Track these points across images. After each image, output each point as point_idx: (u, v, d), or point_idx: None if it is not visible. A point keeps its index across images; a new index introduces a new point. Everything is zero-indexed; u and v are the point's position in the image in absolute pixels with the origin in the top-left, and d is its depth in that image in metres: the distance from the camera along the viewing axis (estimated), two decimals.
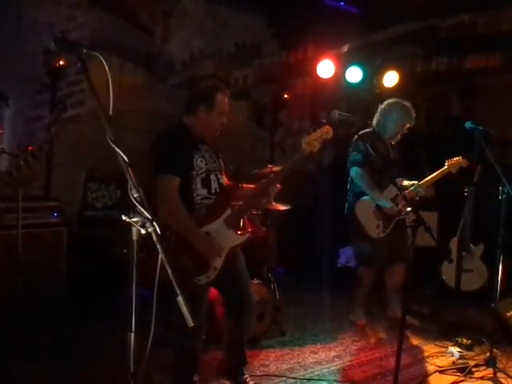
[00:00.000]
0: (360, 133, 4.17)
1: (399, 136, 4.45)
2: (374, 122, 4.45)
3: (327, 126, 2.92)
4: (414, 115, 4.40)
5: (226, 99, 2.99)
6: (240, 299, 3.09)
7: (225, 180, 3.08)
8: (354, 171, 4.33)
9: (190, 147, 2.92)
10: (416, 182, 4.32)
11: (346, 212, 4.48)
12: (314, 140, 2.90)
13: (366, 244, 4.35)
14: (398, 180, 4.25)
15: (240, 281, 3.09)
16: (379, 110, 4.47)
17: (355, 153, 4.31)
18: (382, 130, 4.41)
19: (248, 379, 3.23)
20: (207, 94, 2.95)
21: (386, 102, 4.47)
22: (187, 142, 2.91)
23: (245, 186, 3.14)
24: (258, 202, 3.13)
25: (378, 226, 4.27)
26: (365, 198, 4.32)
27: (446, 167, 4.39)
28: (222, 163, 3.09)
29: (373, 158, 4.18)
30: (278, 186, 3.03)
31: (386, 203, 4.24)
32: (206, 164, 2.94)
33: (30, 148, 2.86)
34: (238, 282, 3.07)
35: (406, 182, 4.32)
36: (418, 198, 4.29)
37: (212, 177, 2.96)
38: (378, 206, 4.28)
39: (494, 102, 5.88)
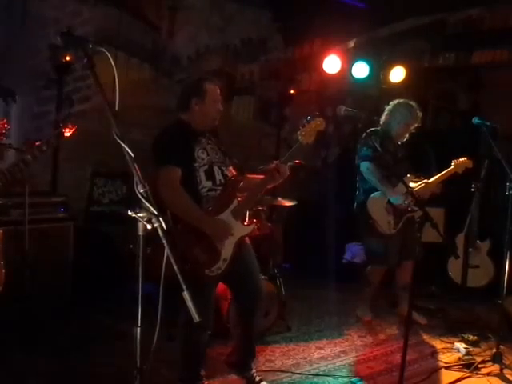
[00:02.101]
0: (369, 130, 4.15)
1: (406, 135, 4.42)
2: (381, 121, 4.44)
3: (320, 119, 3.05)
4: (419, 115, 4.36)
5: (217, 88, 3.03)
6: (250, 292, 3.08)
7: (231, 172, 3.07)
8: (365, 166, 4.29)
9: (190, 140, 2.94)
10: (423, 181, 4.30)
11: (356, 209, 4.45)
12: (309, 131, 3.02)
13: (377, 241, 4.32)
14: (406, 178, 4.24)
15: (249, 274, 3.08)
16: (386, 109, 4.46)
17: (365, 148, 4.28)
18: (387, 128, 4.40)
19: (255, 375, 3.23)
20: (196, 86, 3.01)
21: (391, 102, 4.45)
22: (187, 136, 2.94)
23: (250, 176, 3.15)
24: (264, 189, 3.12)
25: (389, 222, 4.25)
26: (376, 193, 4.29)
27: (452, 167, 4.36)
28: (226, 156, 3.08)
29: (381, 154, 4.17)
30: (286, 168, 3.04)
31: (400, 199, 4.21)
32: (207, 155, 2.96)
33: (36, 143, 2.88)
34: (247, 275, 3.07)
35: (412, 184, 4.29)
36: (425, 197, 4.28)
37: (215, 168, 2.97)
38: (389, 202, 4.26)
39: (502, 98, 5.84)
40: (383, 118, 4.45)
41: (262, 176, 3.07)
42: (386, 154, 4.28)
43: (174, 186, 2.82)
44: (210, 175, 2.94)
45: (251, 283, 3.09)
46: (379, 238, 4.29)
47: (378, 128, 4.35)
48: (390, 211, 4.26)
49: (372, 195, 4.30)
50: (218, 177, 2.97)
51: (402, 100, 4.43)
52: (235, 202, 2.96)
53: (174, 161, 2.84)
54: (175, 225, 2.81)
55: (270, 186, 3.10)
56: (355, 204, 4.46)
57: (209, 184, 2.92)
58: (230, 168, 3.08)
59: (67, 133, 3.11)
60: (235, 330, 3.25)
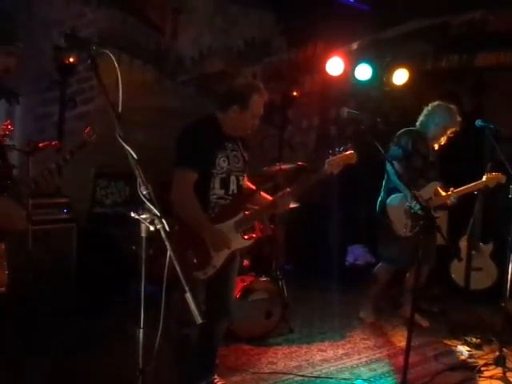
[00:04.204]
0: (404, 129, 4.13)
1: (443, 139, 4.40)
2: (418, 122, 4.44)
3: (352, 152, 3.00)
4: (458, 119, 4.34)
5: (262, 101, 2.93)
6: (219, 301, 3.05)
7: (245, 180, 3.07)
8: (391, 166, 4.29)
9: (216, 145, 2.89)
10: (451, 189, 4.28)
11: (378, 207, 4.44)
12: (338, 162, 2.99)
13: (392, 241, 4.32)
14: (434, 184, 4.25)
15: (226, 285, 3.07)
16: (424, 110, 4.45)
17: (396, 148, 4.28)
18: (424, 130, 4.39)
19: (216, 380, 3.17)
20: (243, 94, 2.88)
21: (430, 104, 4.44)
22: (214, 139, 2.88)
23: (262, 194, 3.15)
24: (270, 211, 3.13)
25: (406, 224, 4.23)
26: (397, 195, 4.28)
27: (484, 180, 4.30)
28: (246, 165, 3.05)
29: (412, 155, 4.17)
30: (292, 201, 3.06)
31: (418, 205, 4.17)
32: (228, 164, 2.91)
33: (40, 144, 2.86)
34: (223, 285, 3.04)
35: (440, 189, 4.28)
36: (450, 204, 4.29)
37: (232, 178, 2.93)
38: (409, 205, 4.24)
39: (505, 100, 5.84)
40: (421, 118, 4.44)
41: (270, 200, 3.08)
42: (417, 156, 4.27)
43: (186, 189, 2.80)
44: (224, 184, 2.91)
45: (224, 292, 3.07)
46: (395, 238, 4.27)
47: (414, 128, 4.34)
48: (408, 214, 4.24)
49: (393, 195, 4.29)
50: (232, 186, 2.94)
51: (441, 102, 4.42)
52: (241, 215, 2.95)
53: (193, 164, 2.81)
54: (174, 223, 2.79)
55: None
56: (378, 202, 4.44)
57: (221, 192, 2.90)
58: (245, 178, 3.06)
59: (89, 144, 3.09)
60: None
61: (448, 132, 4.37)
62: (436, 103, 4.42)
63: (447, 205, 4.33)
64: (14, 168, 2.56)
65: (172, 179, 2.82)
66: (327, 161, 2.98)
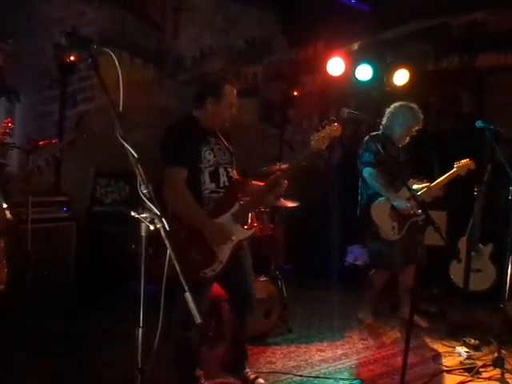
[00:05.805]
0: (370, 134, 4.13)
1: (408, 138, 4.42)
2: (382, 124, 4.43)
3: (336, 124, 2.93)
4: (421, 117, 4.35)
5: (235, 91, 2.98)
6: (242, 297, 3.10)
7: (235, 173, 3.07)
8: (368, 172, 4.28)
9: (199, 139, 2.92)
10: (426, 184, 4.29)
11: (359, 214, 4.43)
12: (323, 137, 2.91)
13: (381, 246, 4.31)
14: (408, 182, 4.24)
15: (244, 279, 3.09)
16: (386, 112, 4.45)
17: (367, 154, 4.27)
18: (390, 132, 4.39)
19: (249, 373, 3.22)
20: (215, 85, 2.95)
21: (392, 105, 4.44)
22: (196, 134, 2.92)
23: (254, 182, 3.15)
24: (266, 198, 3.14)
25: (393, 227, 4.23)
26: (380, 199, 4.27)
27: (454, 169, 4.35)
28: (233, 157, 3.07)
29: (384, 159, 4.17)
30: (286, 182, 3.03)
31: (403, 204, 4.18)
32: (214, 156, 2.94)
33: (40, 143, 2.87)
34: (242, 280, 3.07)
35: (415, 186, 4.28)
36: (428, 200, 4.28)
37: (221, 170, 2.95)
38: (393, 207, 4.24)
39: (506, 101, 5.83)
40: (385, 121, 4.43)
41: (263, 184, 3.07)
42: (389, 158, 4.28)
43: (178, 186, 2.82)
44: (214, 177, 2.92)
45: (244, 287, 3.09)
46: (383, 242, 4.27)
47: (379, 132, 4.34)
48: (393, 217, 4.24)
49: (376, 201, 4.29)
50: (223, 179, 2.95)
51: (403, 102, 4.42)
52: (237, 206, 2.95)
53: (180, 161, 2.83)
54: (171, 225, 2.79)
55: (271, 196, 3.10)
56: (358, 209, 4.45)
57: (212, 186, 2.91)
58: (235, 170, 3.07)
59: (79, 140, 3.09)
60: (229, 331, 3.25)
61: (412, 131, 4.38)
62: (398, 104, 4.41)
63: (427, 201, 4.31)
64: (5, 166, 2.55)
65: (163, 181, 2.83)
66: (312, 137, 2.92)
